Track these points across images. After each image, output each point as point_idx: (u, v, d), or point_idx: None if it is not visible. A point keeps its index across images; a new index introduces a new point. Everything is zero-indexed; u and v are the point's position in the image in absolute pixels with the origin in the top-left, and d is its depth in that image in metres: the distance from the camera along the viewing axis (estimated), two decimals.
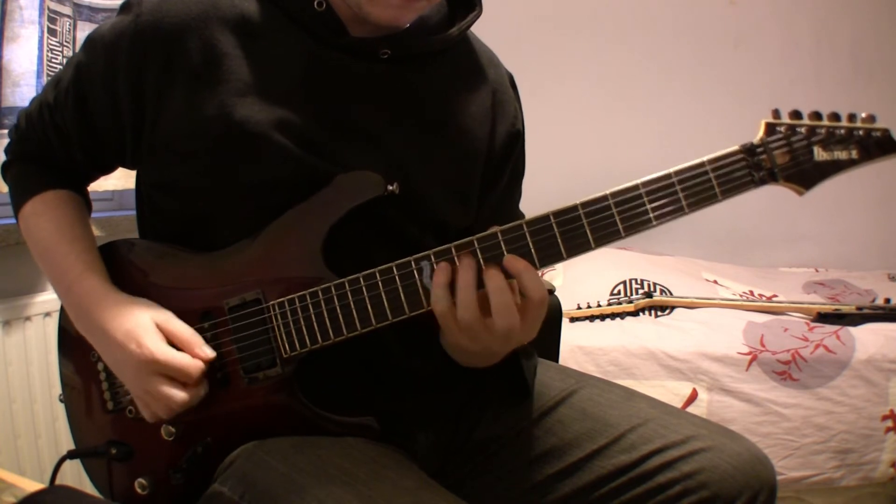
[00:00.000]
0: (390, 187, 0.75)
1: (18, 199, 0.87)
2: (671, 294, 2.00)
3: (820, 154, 0.69)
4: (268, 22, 0.77)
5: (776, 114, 0.70)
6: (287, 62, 0.77)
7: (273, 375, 0.75)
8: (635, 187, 0.69)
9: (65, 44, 1.48)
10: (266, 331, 0.75)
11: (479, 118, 0.86)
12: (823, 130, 0.69)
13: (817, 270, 2.51)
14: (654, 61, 2.62)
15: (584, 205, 0.69)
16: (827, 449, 1.66)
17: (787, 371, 1.69)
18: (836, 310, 1.88)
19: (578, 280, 2.09)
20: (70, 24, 1.49)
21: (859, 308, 1.89)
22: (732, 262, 2.54)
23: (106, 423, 0.83)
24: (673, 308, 1.94)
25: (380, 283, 0.72)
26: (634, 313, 1.93)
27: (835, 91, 2.54)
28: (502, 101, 0.89)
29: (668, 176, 0.69)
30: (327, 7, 0.77)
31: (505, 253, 0.70)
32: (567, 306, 1.89)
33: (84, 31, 1.53)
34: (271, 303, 0.75)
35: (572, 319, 1.90)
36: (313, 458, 0.71)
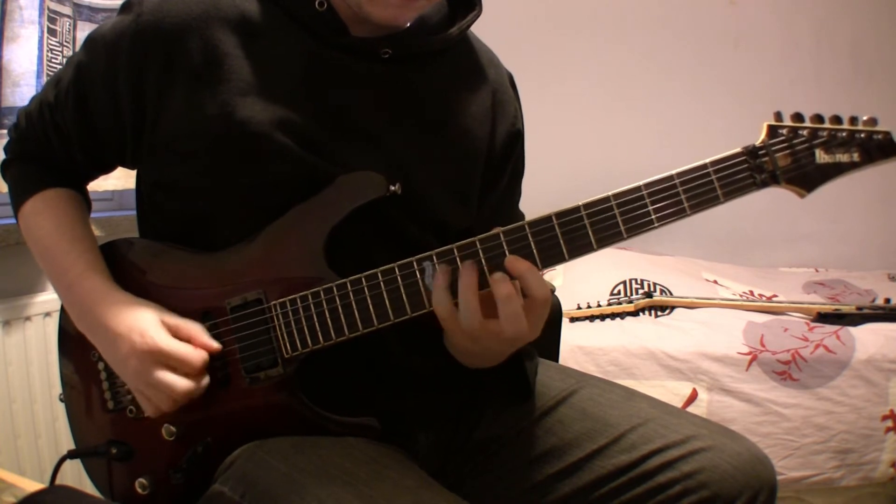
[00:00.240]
0: (392, 188, 0.75)
1: (18, 197, 0.87)
2: (671, 294, 2.00)
3: (822, 156, 0.69)
4: (269, 21, 0.77)
5: (778, 116, 0.70)
6: (288, 62, 0.77)
7: (274, 375, 0.75)
8: (637, 188, 0.69)
9: (65, 44, 1.48)
10: (267, 331, 0.75)
11: (480, 118, 0.86)
12: (825, 133, 0.69)
13: (817, 270, 2.51)
14: (654, 61, 2.62)
15: (587, 206, 0.70)
16: (827, 449, 1.66)
17: (787, 371, 1.69)
18: (836, 310, 1.88)
19: (578, 280, 2.09)
20: (70, 24, 1.49)
21: (859, 308, 1.89)
22: (732, 262, 2.54)
23: (106, 422, 0.83)
24: (673, 308, 1.94)
25: (382, 284, 0.72)
26: (634, 313, 1.93)
27: (835, 91, 2.54)
28: (502, 100, 0.89)
29: (670, 177, 0.69)
30: (328, 7, 0.77)
31: (507, 253, 0.70)
32: (567, 306, 1.89)
33: (84, 31, 1.53)
34: (273, 303, 0.75)
35: (572, 319, 1.90)
36: (314, 458, 0.71)
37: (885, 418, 1.66)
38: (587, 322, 1.89)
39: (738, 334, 1.77)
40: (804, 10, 2.57)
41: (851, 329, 1.76)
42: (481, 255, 0.70)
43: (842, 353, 1.69)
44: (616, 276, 2.07)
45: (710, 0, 2.60)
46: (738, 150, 0.70)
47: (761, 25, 2.60)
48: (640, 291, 2.00)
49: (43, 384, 1.43)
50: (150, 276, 0.81)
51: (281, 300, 0.75)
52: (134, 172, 0.88)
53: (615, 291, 2.02)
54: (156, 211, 0.85)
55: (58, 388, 0.91)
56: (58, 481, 0.86)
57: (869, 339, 1.72)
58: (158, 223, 0.85)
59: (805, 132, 0.69)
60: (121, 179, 1.52)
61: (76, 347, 0.85)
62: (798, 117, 0.70)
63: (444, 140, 0.83)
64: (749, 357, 1.71)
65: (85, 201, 0.90)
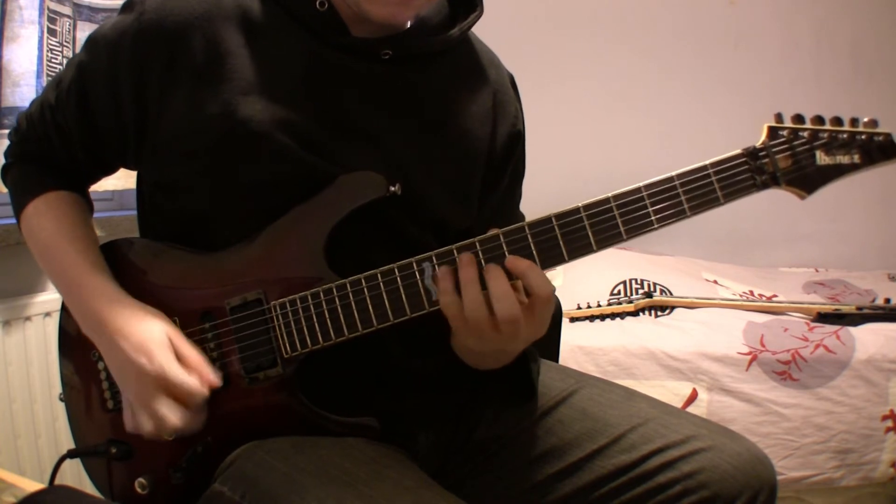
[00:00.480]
0: (392, 188, 0.75)
1: (20, 200, 0.86)
2: (671, 294, 2.00)
3: (822, 158, 0.69)
4: (270, 21, 0.77)
5: (779, 118, 0.70)
6: (289, 61, 0.77)
7: (274, 375, 0.75)
8: (637, 190, 0.69)
9: (65, 44, 1.48)
10: (267, 331, 0.75)
11: (480, 119, 0.86)
12: (826, 134, 0.69)
13: (817, 270, 2.51)
14: (654, 61, 2.62)
15: (587, 207, 0.70)
16: (827, 449, 1.66)
17: (787, 371, 1.69)
18: (836, 310, 1.88)
19: (578, 280, 2.09)
20: (70, 24, 1.49)
21: (859, 308, 1.89)
22: (732, 262, 2.54)
23: (106, 422, 0.83)
24: (673, 308, 1.94)
25: (381, 284, 0.72)
26: (634, 313, 1.93)
27: (835, 91, 2.54)
28: (503, 101, 0.89)
29: (670, 179, 0.69)
30: (329, 7, 0.77)
31: (507, 254, 0.70)
32: (567, 306, 1.89)
33: (84, 31, 1.53)
34: (273, 303, 0.75)
35: (572, 319, 1.90)
36: (314, 458, 0.71)
37: (885, 418, 1.66)
38: (587, 322, 1.89)
39: (738, 334, 1.77)
40: (804, 10, 2.57)
41: (851, 329, 1.76)
42: (481, 255, 0.70)
43: (842, 353, 1.69)
44: (616, 276, 2.07)
45: (710, 0, 2.60)
46: (738, 151, 0.70)
47: (761, 25, 2.60)
48: (640, 291, 2.00)
49: (43, 384, 1.43)
50: (151, 276, 0.81)
51: (281, 300, 0.75)
52: (134, 173, 0.88)
53: (615, 291, 2.02)
54: (156, 211, 0.85)
55: (58, 388, 0.91)
56: (58, 481, 0.86)
57: (869, 339, 1.72)
58: (159, 223, 0.85)
59: (806, 134, 0.69)
60: (121, 179, 1.52)
61: (76, 347, 0.85)
62: (798, 119, 0.70)
63: (444, 140, 0.83)
64: (749, 357, 1.71)
65: (86, 203, 0.90)
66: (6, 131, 1.35)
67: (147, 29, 0.75)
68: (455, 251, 0.71)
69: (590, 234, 0.70)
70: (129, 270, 0.82)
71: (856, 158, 0.69)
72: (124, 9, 0.78)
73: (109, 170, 0.91)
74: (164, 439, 0.76)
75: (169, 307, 0.78)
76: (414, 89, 0.82)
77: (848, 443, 1.65)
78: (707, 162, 0.69)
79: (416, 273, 0.72)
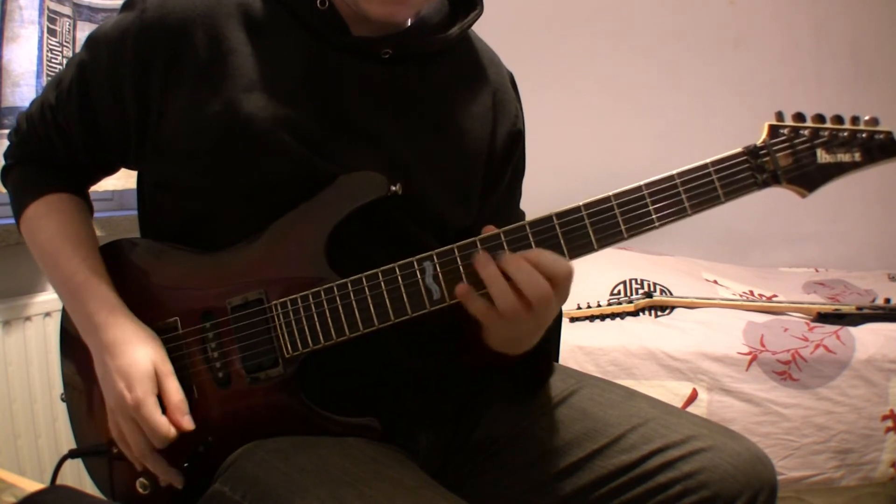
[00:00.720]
0: (393, 188, 0.75)
1: (20, 202, 0.86)
2: (671, 294, 2.00)
3: (823, 156, 0.69)
4: (271, 19, 0.77)
5: (779, 116, 0.70)
6: (290, 60, 0.77)
7: (275, 375, 0.75)
8: (638, 188, 0.69)
9: (65, 44, 1.48)
10: (268, 330, 0.75)
11: (481, 118, 0.86)
12: (826, 133, 0.69)
13: (817, 270, 2.51)
14: (654, 61, 2.62)
15: (587, 206, 0.70)
16: (827, 449, 1.66)
17: (787, 371, 1.69)
18: (836, 310, 1.88)
19: (578, 280, 2.06)
20: (70, 24, 1.49)
21: (859, 308, 1.89)
22: (732, 262, 2.54)
23: (107, 421, 0.82)
24: (673, 308, 1.94)
25: (382, 284, 0.72)
26: (634, 313, 1.93)
27: (835, 91, 2.54)
28: (503, 100, 0.89)
29: (670, 177, 0.69)
30: (330, 6, 0.77)
31: (507, 253, 0.70)
32: (567, 306, 1.88)
33: (84, 31, 1.52)
34: (274, 302, 0.75)
35: (572, 319, 1.90)
36: (314, 458, 0.71)
37: (885, 418, 1.66)
38: (587, 322, 1.89)
39: (738, 334, 1.77)
40: (804, 11, 2.57)
41: (851, 329, 1.76)
42: None
43: (842, 353, 1.69)
44: (616, 276, 2.07)
45: (710, 0, 2.60)
46: (739, 149, 0.70)
47: (761, 25, 2.60)
48: (640, 291, 2.00)
49: (43, 384, 1.43)
50: (152, 276, 0.81)
51: (282, 300, 0.75)
52: (134, 172, 0.88)
53: (615, 291, 2.02)
54: (157, 211, 0.85)
55: (58, 388, 0.91)
56: (58, 481, 0.85)
57: (869, 339, 1.72)
58: (160, 223, 0.85)
59: (806, 132, 0.69)
60: (121, 179, 1.52)
61: (78, 347, 0.84)
62: (799, 117, 0.70)
63: (444, 140, 0.83)
64: (749, 357, 1.71)
65: (87, 205, 0.90)
66: (6, 131, 1.35)
67: (148, 27, 0.75)
68: (456, 250, 0.71)
69: (591, 232, 0.70)
70: (129, 270, 0.82)
71: (857, 157, 0.69)
72: (125, 7, 0.78)
73: (110, 170, 0.91)
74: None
75: (170, 307, 0.78)
76: (414, 88, 0.82)
77: (848, 443, 1.65)
78: (708, 160, 0.69)
79: (418, 272, 0.72)
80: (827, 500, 1.71)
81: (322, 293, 0.74)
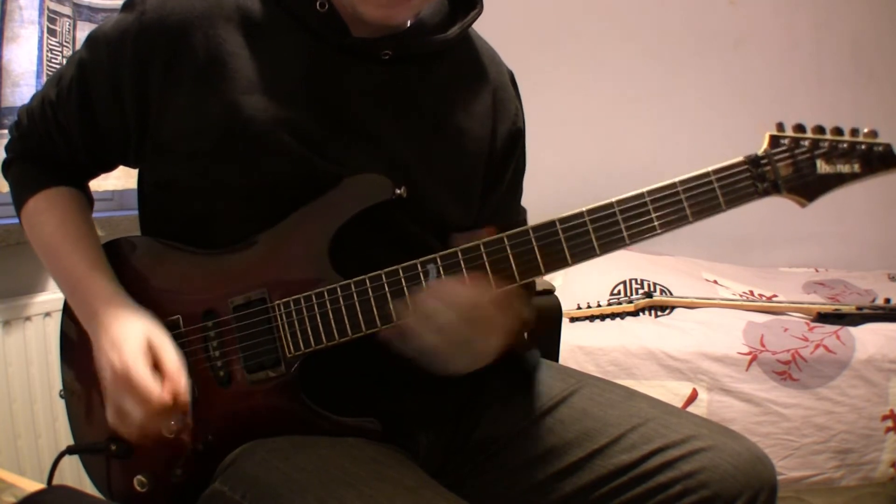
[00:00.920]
0: (398, 191, 0.76)
1: (20, 196, 0.86)
2: (671, 294, 2.00)
3: (823, 167, 0.70)
4: (271, 21, 0.77)
5: (780, 126, 0.72)
6: (290, 62, 0.77)
7: (276, 375, 0.75)
8: (640, 195, 0.70)
9: (65, 44, 1.48)
10: (270, 330, 0.75)
11: (481, 118, 0.86)
12: (826, 144, 0.71)
13: (817, 270, 2.51)
14: (654, 61, 2.62)
15: (590, 212, 0.70)
16: (827, 449, 1.66)
17: (787, 371, 1.69)
18: (836, 310, 1.88)
19: (578, 280, 2.09)
20: (70, 24, 1.49)
21: (859, 308, 1.89)
22: (732, 262, 2.54)
23: (106, 419, 0.82)
24: (673, 308, 1.94)
25: (385, 285, 0.72)
26: (634, 313, 1.93)
27: (835, 91, 2.54)
28: (503, 99, 0.89)
29: (672, 185, 0.70)
30: (329, 7, 0.77)
31: (511, 257, 0.71)
32: (567, 306, 1.89)
33: (84, 31, 1.52)
34: (276, 302, 0.75)
35: (572, 319, 1.90)
36: (314, 458, 0.71)
37: (885, 418, 1.66)
38: (587, 322, 1.90)
39: (738, 334, 1.78)
40: (804, 11, 2.57)
41: (851, 329, 1.76)
42: (485, 258, 0.71)
43: (842, 353, 1.69)
44: (616, 276, 2.07)
45: (710, 0, 2.61)
46: (740, 158, 0.71)
47: (761, 25, 2.60)
48: (640, 291, 2.00)
49: (43, 384, 1.43)
50: (153, 275, 0.81)
51: (284, 300, 0.75)
52: (135, 172, 0.88)
53: (615, 291, 2.02)
54: (158, 210, 0.85)
55: (58, 388, 0.91)
56: (58, 481, 0.85)
57: (869, 339, 1.72)
58: (161, 223, 0.85)
59: (807, 143, 0.71)
60: (121, 179, 1.52)
61: (78, 344, 0.85)
62: (800, 128, 0.72)
63: (445, 140, 0.83)
64: (749, 357, 1.71)
65: (87, 198, 0.90)
66: (6, 131, 1.35)
67: (148, 27, 0.75)
68: (460, 254, 0.72)
69: (593, 238, 0.70)
70: (131, 269, 0.82)
71: (856, 168, 0.70)
72: (125, 8, 0.78)
73: (110, 167, 0.91)
74: (165, 436, 0.76)
75: (171, 306, 0.78)
76: (414, 89, 0.82)
77: (848, 443, 1.65)
78: (709, 169, 0.70)
79: (421, 275, 0.72)
80: (827, 500, 1.71)
81: (325, 293, 0.74)
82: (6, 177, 0.91)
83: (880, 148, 0.70)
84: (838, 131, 0.71)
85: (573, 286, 2.05)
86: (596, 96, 2.65)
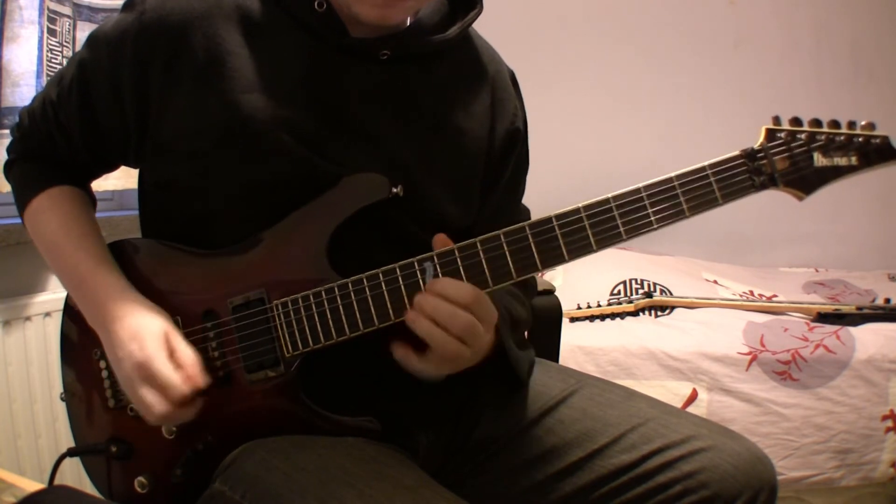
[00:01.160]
0: (395, 189, 0.76)
1: (23, 196, 0.87)
2: (671, 294, 2.00)
3: (820, 160, 0.70)
4: (270, 21, 0.77)
5: (777, 120, 0.71)
6: (289, 62, 0.77)
7: (275, 375, 0.75)
8: (637, 191, 0.70)
9: (65, 44, 1.48)
10: (269, 330, 0.75)
11: (480, 117, 0.86)
12: (823, 137, 0.70)
13: (817, 270, 2.51)
14: (654, 61, 2.62)
15: (587, 207, 0.70)
16: (827, 449, 1.66)
17: (787, 371, 1.69)
18: (836, 310, 1.88)
19: (578, 280, 2.09)
20: (70, 24, 1.49)
21: (859, 308, 1.89)
22: (732, 262, 2.54)
23: (107, 420, 0.83)
24: (673, 308, 1.94)
25: (383, 284, 0.72)
26: (634, 313, 1.93)
27: (835, 91, 2.54)
28: (502, 98, 0.89)
29: (669, 180, 0.70)
30: (328, 7, 0.77)
31: (507, 254, 0.70)
32: (567, 306, 1.89)
33: (84, 31, 1.53)
34: (274, 302, 0.75)
35: (572, 319, 1.90)
36: (314, 458, 0.71)
37: (885, 418, 1.66)
38: (587, 322, 1.90)
39: (738, 334, 1.78)
40: (804, 10, 2.58)
41: (851, 329, 1.76)
42: (482, 255, 0.71)
43: (842, 353, 1.69)
44: (616, 276, 2.07)
45: (710, 0, 2.61)
46: (736, 152, 0.70)
47: (761, 25, 2.60)
48: (640, 291, 2.00)
49: (43, 384, 1.43)
50: (153, 276, 0.81)
51: (283, 300, 0.75)
52: (135, 172, 0.89)
53: (615, 291, 2.02)
54: (158, 210, 0.85)
55: (58, 388, 0.91)
56: (58, 481, 0.85)
57: (869, 339, 1.72)
58: (161, 223, 0.85)
59: (803, 136, 0.70)
60: (121, 179, 1.52)
61: (79, 344, 0.85)
62: (796, 121, 0.71)
63: (444, 140, 0.83)
64: (749, 357, 1.71)
65: (89, 197, 0.90)
66: (6, 131, 1.35)
67: (148, 27, 0.75)
68: (457, 251, 0.71)
69: (590, 234, 0.70)
70: (131, 270, 0.82)
71: (853, 160, 0.70)
72: (125, 8, 0.79)
73: (111, 166, 0.91)
74: (165, 437, 0.76)
75: (171, 306, 0.78)
76: (413, 89, 0.82)
77: (848, 443, 1.65)
78: (706, 163, 0.70)
79: (418, 273, 0.72)
80: (827, 500, 1.71)
81: (323, 293, 0.74)
82: (8, 178, 0.91)
83: (878, 140, 0.70)
84: (835, 124, 0.71)
85: (573, 286, 2.05)
86: (596, 96, 2.65)
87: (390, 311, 0.72)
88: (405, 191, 0.77)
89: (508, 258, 0.71)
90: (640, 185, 0.70)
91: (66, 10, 1.48)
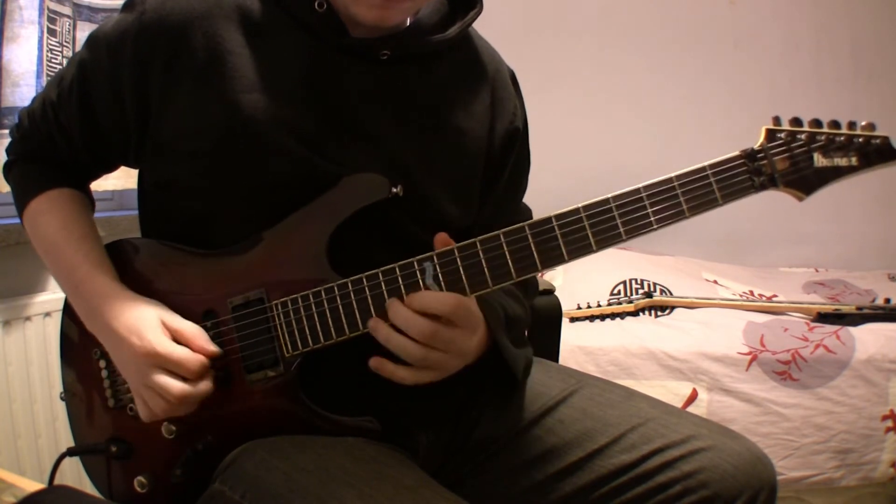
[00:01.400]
0: (394, 189, 0.76)
1: (22, 197, 0.87)
2: (671, 294, 2.00)
3: (820, 160, 0.70)
4: (270, 21, 0.77)
5: (777, 120, 0.71)
6: (289, 62, 0.77)
7: (275, 375, 0.75)
8: (637, 191, 0.70)
9: (65, 44, 1.48)
10: (269, 330, 0.75)
11: (480, 117, 0.86)
12: (823, 137, 0.70)
13: (817, 270, 2.51)
14: (654, 61, 2.62)
15: (586, 207, 0.70)
16: (827, 449, 1.66)
17: (787, 371, 1.69)
18: (836, 310, 1.88)
19: (578, 280, 2.09)
20: (70, 24, 1.49)
21: (859, 308, 1.89)
22: (732, 262, 2.54)
23: (107, 420, 0.83)
24: (673, 308, 1.94)
25: (383, 284, 0.72)
26: (634, 313, 1.93)
27: (835, 92, 2.54)
28: (501, 98, 0.89)
29: (669, 180, 0.70)
30: (328, 7, 0.77)
31: (507, 253, 0.70)
32: (567, 306, 1.89)
33: (84, 31, 1.53)
34: (274, 302, 0.75)
35: (572, 319, 1.90)
36: (314, 458, 0.71)
37: (885, 418, 1.66)
38: (587, 322, 1.90)
39: (738, 334, 1.78)
40: (804, 11, 2.58)
41: (851, 329, 1.76)
42: (481, 255, 0.71)
43: (842, 353, 1.69)
44: (616, 276, 2.07)
45: (710, 0, 2.61)
46: (736, 153, 0.70)
47: (761, 26, 2.60)
48: (640, 291, 2.00)
49: (43, 384, 1.43)
50: (153, 277, 0.81)
51: (282, 300, 0.75)
52: (135, 172, 0.89)
53: (615, 291, 2.02)
54: (158, 210, 0.85)
55: (58, 388, 0.91)
56: (58, 481, 0.85)
57: (869, 339, 1.72)
58: (161, 223, 0.85)
59: (803, 136, 0.70)
60: (121, 179, 1.52)
61: (78, 343, 0.85)
62: (796, 121, 0.71)
63: (444, 140, 0.83)
64: (749, 357, 1.71)
65: (88, 199, 0.90)
66: (6, 131, 1.35)
67: (148, 27, 0.75)
68: (456, 251, 0.71)
69: (589, 234, 0.70)
70: (131, 270, 0.82)
71: (853, 161, 0.70)
72: (125, 8, 0.79)
73: (111, 167, 0.91)
74: (165, 437, 0.76)
75: (171, 306, 0.78)
76: (413, 89, 0.82)
77: (848, 443, 1.65)
78: (706, 163, 0.70)
79: (418, 273, 0.72)
80: (827, 500, 1.71)
81: (322, 293, 0.74)
82: (8, 179, 0.91)
83: (878, 141, 0.70)
84: (835, 125, 0.71)
85: (573, 286, 2.05)
86: (595, 96, 2.65)
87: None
88: (405, 191, 0.77)
89: (508, 258, 0.71)
90: (640, 185, 0.70)
91: (66, 10, 1.48)
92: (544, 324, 1.20)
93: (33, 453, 1.41)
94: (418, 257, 0.72)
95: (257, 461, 0.72)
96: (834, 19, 2.57)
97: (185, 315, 0.77)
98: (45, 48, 1.42)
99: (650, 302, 1.95)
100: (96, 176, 0.92)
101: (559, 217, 0.70)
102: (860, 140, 0.69)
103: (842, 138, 0.70)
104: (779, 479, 0.88)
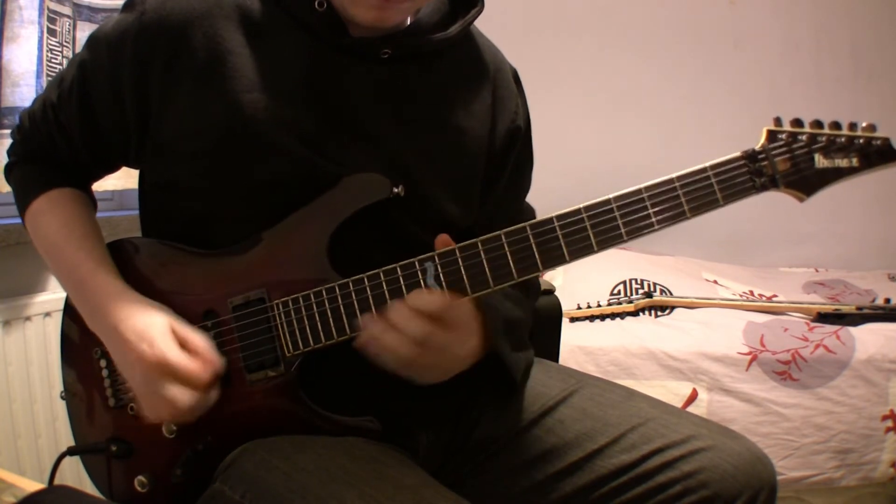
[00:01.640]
0: (396, 189, 0.76)
1: (24, 198, 0.87)
2: (671, 294, 2.00)
3: (821, 161, 0.70)
4: (270, 21, 0.77)
5: (778, 121, 0.71)
6: (290, 61, 0.77)
7: (275, 375, 0.75)
8: (638, 191, 0.70)
9: (65, 44, 1.48)
10: (269, 329, 0.75)
11: (481, 116, 0.86)
12: (824, 138, 0.70)
13: (817, 270, 2.51)
14: (654, 61, 2.62)
15: (588, 208, 0.70)
16: (827, 449, 1.66)
17: (787, 371, 1.69)
18: (836, 310, 1.88)
19: (578, 280, 2.09)
20: (70, 25, 1.49)
21: (859, 308, 1.89)
22: (732, 262, 2.54)
23: (107, 420, 0.83)
24: (673, 308, 1.94)
25: (384, 283, 0.72)
26: (634, 313, 1.93)
27: (835, 92, 2.54)
28: (503, 97, 0.89)
29: (670, 181, 0.70)
30: (328, 7, 0.77)
31: (508, 254, 0.70)
32: (567, 306, 1.89)
33: (84, 31, 1.53)
34: (275, 302, 0.75)
35: (572, 319, 1.90)
36: (315, 457, 0.71)
37: (885, 418, 1.66)
38: (587, 322, 1.90)
39: (738, 334, 1.78)
40: (804, 11, 2.58)
41: (851, 329, 1.76)
42: (482, 255, 0.71)
43: (842, 353, 1.69)
44: (616, 276, 2.07)
45: (710, 0, 2.61)
46: (737, 154, 0.70)
47: (761, 26, 2.60)
48: (640, 291, 2.00)
49: (43, 384, 1.43)
50: (153, 276, 0.81)
51: (283, 299, 0.75)
52: (135, 172, 0.89)
53: (615, 291, 2.02)
54: (158, 211, 0.85)
55: (58, 388, 0.91)
56: (58, 482, 0.85)
57: (869, 339, 1.72)
58: (161, 223, 0.85)
59: (804, 137, 0.70)
60: (121, 179, 1.51)
61: (78, 343, 0.85)
62: (797, 122, 0.71)
63: (445, 139, 0.83)
64: (749, 357, 1.71)
65: (90, 200, 0.90)
66: (6, 131, 1.35)
67: (148, 28, 0.75)
68: (458, 251, 0.71)
69: (591, 234, 0.70)
70: (132, 270, 0.82)
71: (854, 162, 0.70)
72: (125, 8, 0.79)
73: (112, 168, 0.91)
74: (165, 436, 0.76)
75: (171, 306, 0.78)
76: (414, 88, 0.82)
77: (848, 443, 1.65)
78: (707, 164, 0.70)
79: (419, 273, 0.72)
80: (827, 500, 1.71)
81: (323, 292, 0.74)
82: (9, 180, 0.91)
83: (878, 142, 0.70)
84: (836, 126, 0.71)
85: (573, 286, 2.05)
86: (596, 96, 2.65)
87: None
88: (406, 191, 0.77)
89: (509, 258, 0.71)
90: (641, 185, 0.70)
91: (66, 10, 1.48)
92: (544, 324, 1.21)
93: (33, 453, 1.41)
94: (419, 257, 0.72)
95: (257, 461, 0.72)
96: (834, 19, 2.57)
97: (186, 315, 0.77)
98: (45, 48, 1.42)
99: (650, 302, 1.95)
100: (98, 176, 0.92)
101: (560, 217, 0.71)
102: (861, 141, 0.70)
103: (843, 139, 0.70)
104: (779, 479, 0.88)
